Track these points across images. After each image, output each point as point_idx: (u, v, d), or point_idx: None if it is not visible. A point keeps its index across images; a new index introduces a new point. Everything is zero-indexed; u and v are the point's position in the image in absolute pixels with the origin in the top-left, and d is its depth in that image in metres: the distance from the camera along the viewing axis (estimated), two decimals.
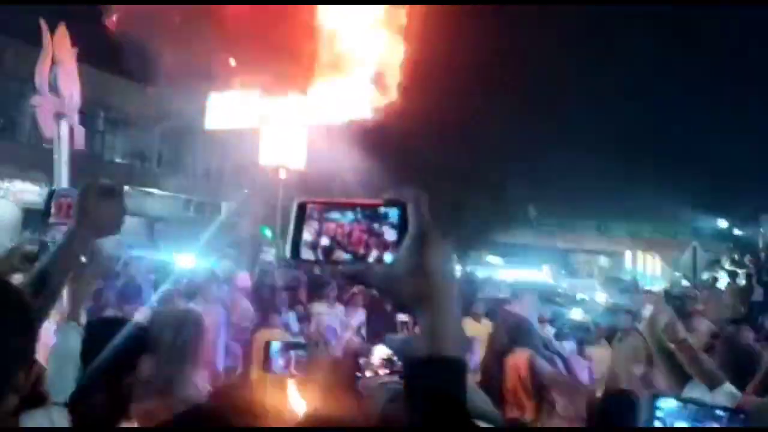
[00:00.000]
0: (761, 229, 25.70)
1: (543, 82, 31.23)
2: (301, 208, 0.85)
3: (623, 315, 7.08)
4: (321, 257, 0.83)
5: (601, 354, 7.10)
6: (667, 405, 0.85)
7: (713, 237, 29.57)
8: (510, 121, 29.98)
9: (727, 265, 19.59)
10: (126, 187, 1.62)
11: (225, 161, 26.47)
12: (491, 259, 35.04)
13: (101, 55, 19.98)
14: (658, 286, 25.06)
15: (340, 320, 6.63)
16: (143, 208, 22.29)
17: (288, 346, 2.91)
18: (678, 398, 0.90)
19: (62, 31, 4.27)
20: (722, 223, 31.63)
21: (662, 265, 30.92)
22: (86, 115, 20.11)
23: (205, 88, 15.82)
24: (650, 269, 31.42)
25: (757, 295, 12.17)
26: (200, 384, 1.90)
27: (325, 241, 0.83)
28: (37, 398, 1.46)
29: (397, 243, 0.80)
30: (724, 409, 0.82)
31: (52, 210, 1.80)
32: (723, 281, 15.72)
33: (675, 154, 31.94)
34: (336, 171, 20.88)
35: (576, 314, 7.42)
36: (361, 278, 0.83)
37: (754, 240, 26.01)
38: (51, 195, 1.83)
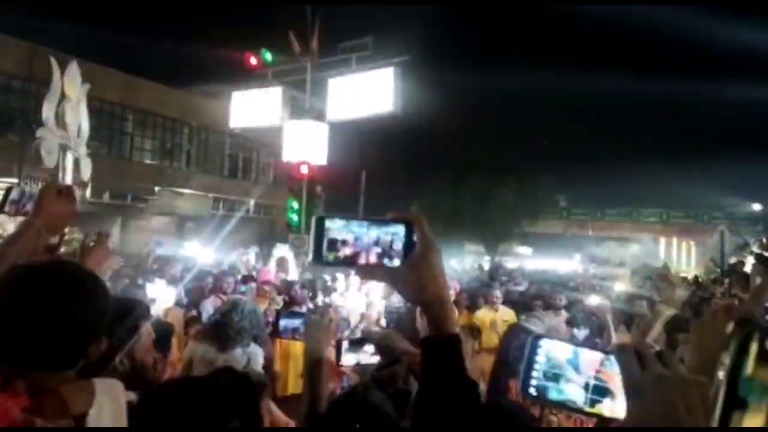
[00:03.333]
0: None
1: (571, 69, 30.88)
2: (320, 220, 1.03)
3: (641, 302, 7.08)
4: (341, 260, 1.03)
5: (619, 339, 7.12)
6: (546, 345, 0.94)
7: (745, 221, 28.87)
8: (539, 111, 29.80)
9: (756, 248, 19.14)
10: (78, 193, 1.81)
11: (251, 159, 26.96)
12: (521, 249, 34.85)
13: (128, 59, 20.58)
14: (691, 272, 24.65)
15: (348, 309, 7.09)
16: (173, 208, 22.82)
17: (293, 315, 3.20)
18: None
19: (74, 68, 4.50)
20: (755, 207, 30.86)
21: (695, 250, 30.35)
22: (115, 117, 20.63)
23: (229, 87, 16.13)
24: (684, 255, 30.87)
25: None
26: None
27: (343, 247, 1.02)
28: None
29: (404, 252, 1.01)
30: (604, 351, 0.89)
31: (7, 206, 2.01)
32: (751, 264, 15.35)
33: (707, 139, 31.20)
34: (359, 166, 21.06)
35: (593, 300, 7.41)
36: (376, 276, 1.06)
37: None
38: (8, 191, 2.02)
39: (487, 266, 26.64)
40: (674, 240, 31.82)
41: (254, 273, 9.12)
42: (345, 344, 2.55)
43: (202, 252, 12.01)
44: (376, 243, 1.02)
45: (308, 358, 2.11)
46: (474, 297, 8.33)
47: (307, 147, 13.24)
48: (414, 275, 1.01)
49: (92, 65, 18.53)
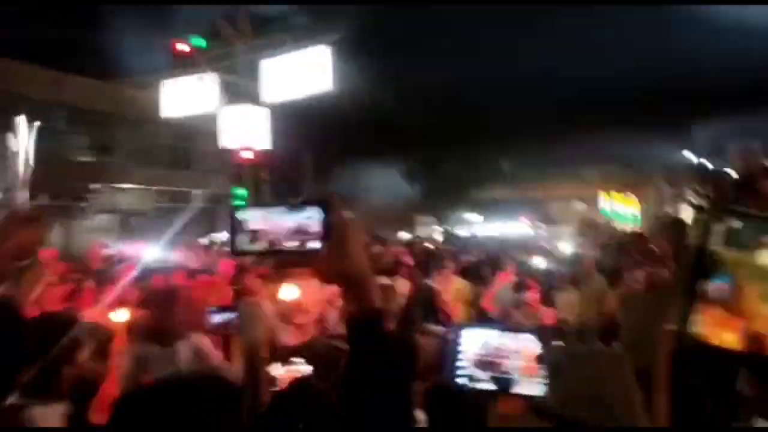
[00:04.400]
0: (726, 159, 26.13)
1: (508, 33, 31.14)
2: (234, 212, 1.06)
3: (583, 261, 7.33)
4: (261, 248, 1.04)
5: (567, 299, 7.38)
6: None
7: (681, 171, 30.02)
8: (478, 78, 29.96)
9: (691, 197, 19.93)
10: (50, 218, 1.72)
11: (192, 149, 26.30)
12: (472, 217, 35.40)
13: (56, 55, 19.62)
14: (632, 225, 25.58)
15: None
16: (115, 204, 22.13)
17: (224, 308, 3.19)
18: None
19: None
20: (690, 156, 32.10)
21: (637, 202, 31.45)
22: (46, 116, 19.83)
23: (164, 77, 15.63)
24: (626, 208, 31.94)
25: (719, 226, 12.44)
26: None
27: (262, 234, 1.03)
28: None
29: (324, 233, 1.01)
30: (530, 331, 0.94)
31: None
32: (689, 213, 16.00)
33: (639, 93, 32.06)
34: (305, 149, 20.88)
35: (539, 263, 7.65)
36: (298, 262, 1.08)
37: (717, 170, 26.49)
38: None
39: (440, 237, 26.97)
40: (614, 194, 32.81)
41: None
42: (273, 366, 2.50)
43: (148, 249, 11.74)
44: (294, 228, 1.03)
45: (244, 351, 2.11)
46: (427, 268, 8.45)
47: (247, 132, 13.03)
48: (333, 255, 1.02)
49: (17, 64, 17.64)
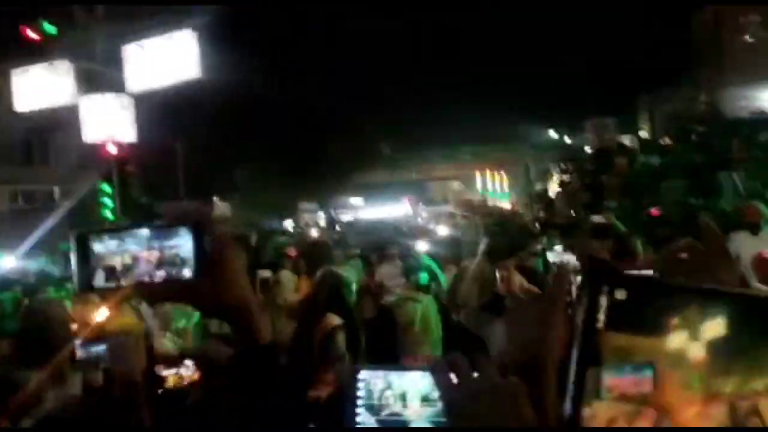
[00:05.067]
0: (586, 135, 28.23)
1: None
2: (82, 238, 0.85)
3: (463, 241, 7.61)
4: (117, 283, 0.85)
5: (449, 277, 7.60)
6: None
7: (546, 149, 32.10)
8: (353, 64, 30.11)
9: (556, 174, 21.39)
10: None
11: (48, 142, 24.21)
12: (354, 201, 35.65)
13: None
14: (506, 200, 26.98)
15: None
16: None
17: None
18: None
19: None
20: (552, 134, 34.37)
21: (509, 180, 33.16)
22: None
23: (12, 66, 14.14)
24: (499, 186, 33.58)
25: (585, 197, 13.42)
26: None
27: (118, 265, 0.84)
28: None
29: (195, 259, 0.84)
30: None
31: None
32: (555, 188, 17.15)
33: (507, 74, 33.76)
34: (174, 140, 19.87)
35: (422, 246, 7.80)
36: (169, 295, 0.92)
37: (579, 146, 28.57)
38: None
39: (320, 221, 26.92)
40: (488, 173, 34.39)
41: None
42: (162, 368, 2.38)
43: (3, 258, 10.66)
44: (160, 257, 0.85)
45: (120, 387, 1.90)
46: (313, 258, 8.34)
47: (111, 123, 12.15)
48: (209, 283, 0.85)
49: None
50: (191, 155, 18.74)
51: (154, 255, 0.86)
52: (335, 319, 3.62)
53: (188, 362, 2.41)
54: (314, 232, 17.77)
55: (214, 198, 18.29)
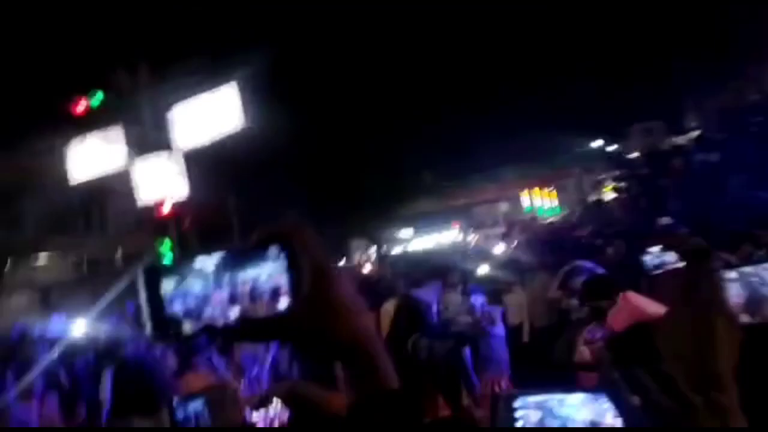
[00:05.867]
0: (633, 140, 27.58)
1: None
2: (152, 275, 0.70)
3: (523, 261, 7.45)
4: (198, 327, 0.69)
5: (516, 299, 7.42)
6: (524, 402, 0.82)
7: (594, 159, 31.46)
8: (390, 96, 30.42)
9: (609, 182, 20.89)
10: None
11: (107, 209, 25.14)
12: (402, 233, 35.60)
13: None
14: (556, 216, 26.42)
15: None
16: (31, 280, 20.79)
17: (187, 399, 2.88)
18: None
19: None
20: (599, 143, 33.69)
21: (558, 195, 32.59)
22: None
23: (64, 140, 14.81)
24: (548, 202, 33.00)
25: (644, 203, 12.99)
26: None
27: (195, 306, 0.69)
28: None
29: (291, 286, 0.67)
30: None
31: None
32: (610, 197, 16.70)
33: (543, 90, 33.39)
34: (226, 192, 20.30)
35: (483, 270, 7.67)
36: (262, 335, 0.74)
37: (627, 152, 27.88)
38: None
39: (372, 256, 26.89)
40: (536, 190, 33.89)
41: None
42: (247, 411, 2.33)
43: (72, 325, 10.96)
44: (254, 286, 0.68)
45: None
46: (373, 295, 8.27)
47: (164, 183, 12.50)
48: (312, 314, 0.67)
49: None
50: (242, 205, 19.07)
51: (236, 283, 0.69)
52: (420, 338, 3.57)
53: (275, 402, 2.32)
54: (367, 268, 17.76)
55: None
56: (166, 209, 12.29)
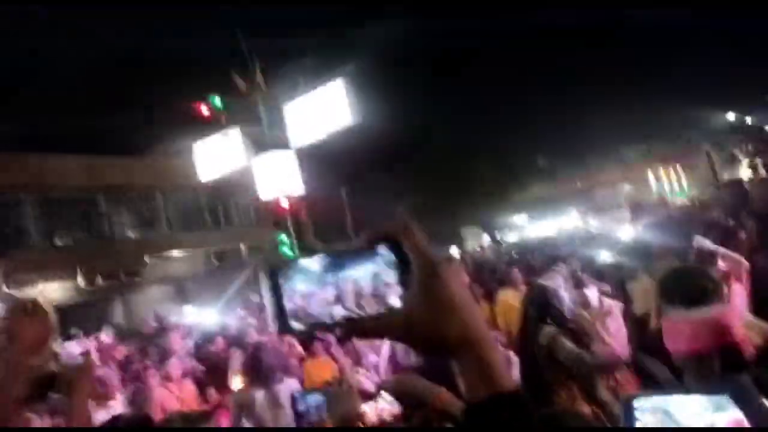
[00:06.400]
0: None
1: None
2: (275, 274, 0.75)
3: (649, 246, 6.95)
4: (319, 321, 0.74)
5: (641, 286, 6.96)
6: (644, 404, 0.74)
7: (726, 133, 28.85)
8: (498, 78, 29.79)
9: (743, 159, 19.12)
10: (47, 305, 1.58)
11: (230, 206, 26.72)
12: (516, 219, 34.78)
13: (86, 141, 20.31)
14: (685, 198, 24.61)
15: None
16: (167, 274, 22.54)
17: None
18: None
19: None
20: (730, 117, 30.85)
21: (685, 174, 30.37)
22: (86, 202, 20.44)
23: (189, 142, 15.87)
24: (676, 183, 30.86)
25: None
26: None
27: (313, 304, 0.74)
28: None
29: (401, 284, 0.71)
30: None
31: None
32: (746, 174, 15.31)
33: (665, 55, 31.17)
34: (338, 186, 20.86)
35: (605, 256, 7.26)
36: (376, 333, 0.74)
37: (764, 125, 25.30)
38: None
39: (485, 244, 26.48)
40: (661, 170, 31.81)
41: None
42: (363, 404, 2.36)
43: (203, 315, 11.77)
44: (359, 285, 0.73)
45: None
46: (488, 284, 8.12)
47: (280, 179, 13.04)
48: (423, 312, 0.68)
49: (51, 155, 18.33)
50: (355, 198, 19.54)
51: (350, 280, 0.73)
52: (551, 329, 3.46)
53: (385, 395, 2.34)
54: (480, 256, 17.52)
55: None
56: (283, 204, 12.82)
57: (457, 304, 0.69)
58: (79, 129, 19.53)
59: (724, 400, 0.69)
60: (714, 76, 29.43)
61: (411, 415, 1.99)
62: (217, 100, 13.53)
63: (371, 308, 0.72)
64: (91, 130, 20.24)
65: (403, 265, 0.71)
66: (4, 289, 15.35)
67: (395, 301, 0.70)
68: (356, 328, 0.73)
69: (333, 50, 14.92)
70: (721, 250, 4.18)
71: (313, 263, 0.74)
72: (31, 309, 1.52)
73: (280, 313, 0.74)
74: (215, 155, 14.33)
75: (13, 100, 21.47)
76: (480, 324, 0.71)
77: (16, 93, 21.42)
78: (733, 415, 0.63)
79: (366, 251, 0.72)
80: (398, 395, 2.10)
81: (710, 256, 4.19)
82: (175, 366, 6.19)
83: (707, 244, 4.34)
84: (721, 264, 4.10)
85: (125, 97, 22.13)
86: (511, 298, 7.00)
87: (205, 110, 13.53)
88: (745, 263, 4.13)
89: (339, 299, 0.73)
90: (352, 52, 13.53)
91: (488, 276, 8.91)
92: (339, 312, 0.73)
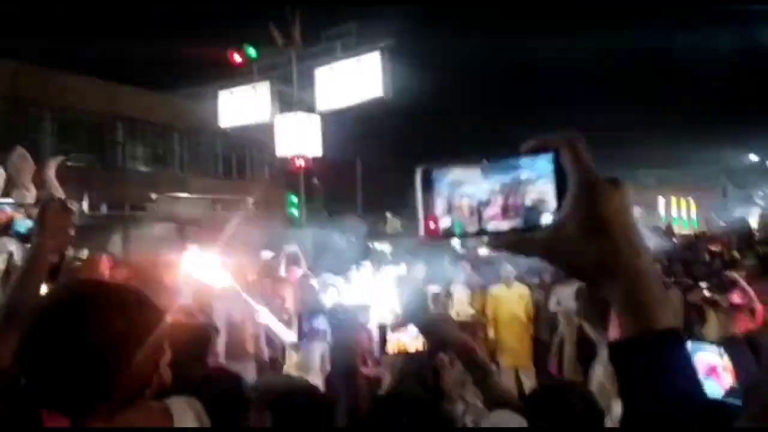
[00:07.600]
0: None
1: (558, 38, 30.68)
2: (426, 174, 0.71)
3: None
4: (467, 230, 0.69)
5: None
6: None
7: (744, 173, 28.77)
8: (528, 81, 29.58)
9: (758, 199, 19.08)
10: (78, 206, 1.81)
11: (245, 158, 26.74)
12: None
13: (111, 67, 20.32)
14: (692, 230, 24.59)
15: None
16: (172, 213, 22.61)
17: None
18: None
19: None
20: (753, 158, 30.73)
21: (696, 207, 30.32)
22: (103, 128, 20.51)
23: (215, 87, 15.90)
24: (684, 213, 30.81)
25: None
26: None
27: (464, 210, 0.69)
28: None
29: (557, 198, 0.66)
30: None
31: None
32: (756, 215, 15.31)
33: (694, 95, 30.98)
34: (354, 156, 20.87)
35: None
36: (521, 247, 0.68)
37: None
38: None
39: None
40: (673, 199, 31.73)
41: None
42: (389, 331, 2.48)
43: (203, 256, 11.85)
44: (511, 194, 0.67)
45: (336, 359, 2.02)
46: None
47: (300, 140, 13.12)
48: (573, 230, 0.64)
49: (74, 76, 18.33)
50: (369, 172, 19.57)
51: (502, 188, 0.68)
52: None
53: (412, 328, 2.40)
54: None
55: (387, 214, 18.93)
56: (299, 164, 12.93)
57: (612, 227, 0.64)
58: (106, 52, 19.51)
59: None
60: (739, 114, 29.28)
61: (429, 355, 2.08)
62: (252, 51, 13.56)
63: (519, 220, 0.67)
64: (119, 56, 20.23)
65: (560, 179, 0.66)
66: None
67: (546, 217, 0.66)
68: (502, 241, 0.69)
69: (377, 21, 14.85)
70: (742, 282, 4.13)
71: (468, 169, 0.70)
72: (61, 206, 1.78)
73: (427, 216, 0.71)
74: (240, 105, 14.41)
75: (46, 13, 21.43)
76: (640, 254, 0.64)
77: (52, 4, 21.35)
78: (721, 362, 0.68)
79: (527, 159, 0.67)
80: (425, 331, 2.09)
81: (731, 285, 4.18)
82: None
83: (733, 275, 4.36)
84: (735, 297, 4.08)
85: (157, 30, 22.05)
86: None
87: (237, 58, 13.58)
88: (759, 305, 3.97)
89: (488, 207, 0.69)
90: (394, 28, 13.45)
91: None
92: (487, 222, 0.69)
